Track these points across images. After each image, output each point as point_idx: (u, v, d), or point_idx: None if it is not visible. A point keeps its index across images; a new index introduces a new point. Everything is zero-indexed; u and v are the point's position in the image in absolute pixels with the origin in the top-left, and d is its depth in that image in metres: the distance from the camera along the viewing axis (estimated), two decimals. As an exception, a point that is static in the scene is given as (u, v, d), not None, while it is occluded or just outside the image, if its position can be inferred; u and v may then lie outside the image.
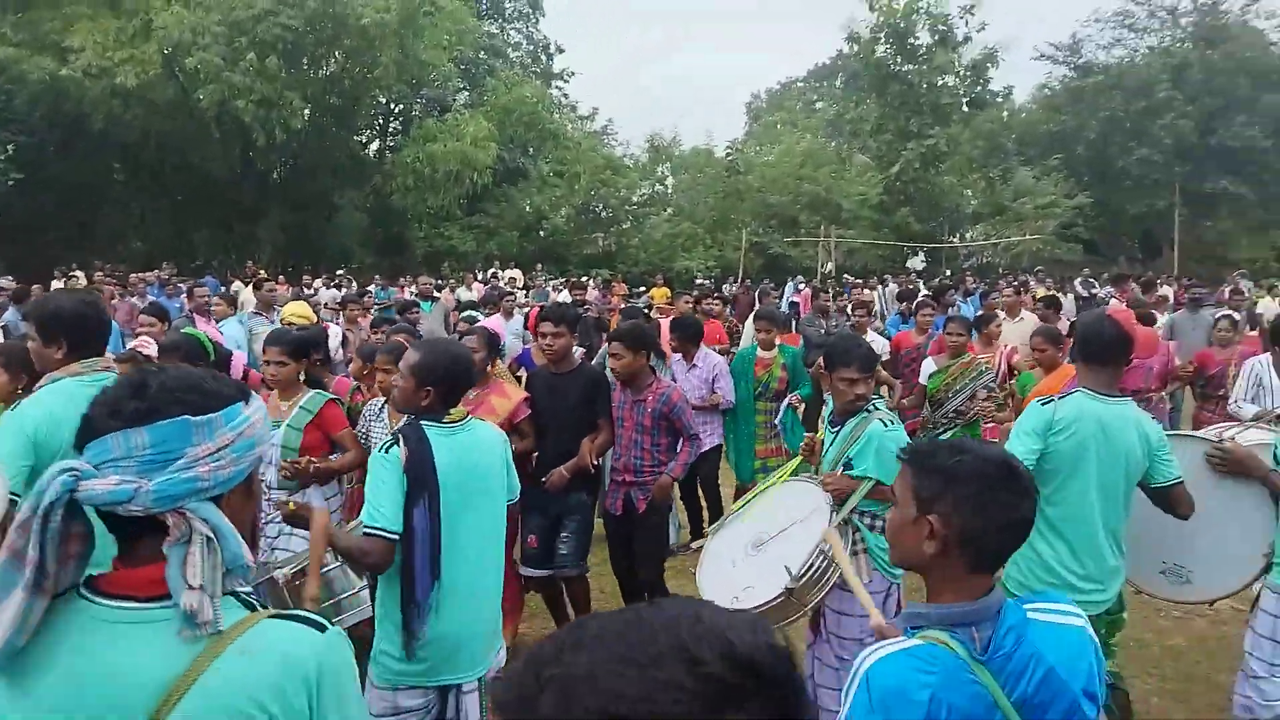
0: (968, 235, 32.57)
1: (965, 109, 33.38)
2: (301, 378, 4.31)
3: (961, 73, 32.47)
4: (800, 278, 22.94)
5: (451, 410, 2.93)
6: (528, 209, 30.23)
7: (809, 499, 3.64)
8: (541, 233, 30.83)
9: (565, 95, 38.25)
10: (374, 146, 32.52)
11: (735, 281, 23.43)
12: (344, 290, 16.40)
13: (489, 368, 4.80)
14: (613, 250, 30.72)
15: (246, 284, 15.77)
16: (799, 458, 4.14)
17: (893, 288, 17.78)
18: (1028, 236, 28.11)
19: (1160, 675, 4.69)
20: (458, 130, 26.55)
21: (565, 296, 16.73)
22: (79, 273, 17.28)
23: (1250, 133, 32.53)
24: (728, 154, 33.02)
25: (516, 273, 23.00)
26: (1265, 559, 3.29)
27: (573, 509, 4.68)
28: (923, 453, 1.68)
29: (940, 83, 31.99)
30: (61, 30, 23.27)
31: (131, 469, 1.24)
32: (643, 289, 22.11)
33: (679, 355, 6.54)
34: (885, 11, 31.15)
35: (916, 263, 27.73)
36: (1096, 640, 1.66)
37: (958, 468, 1.60)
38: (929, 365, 6.37)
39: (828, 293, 12.37)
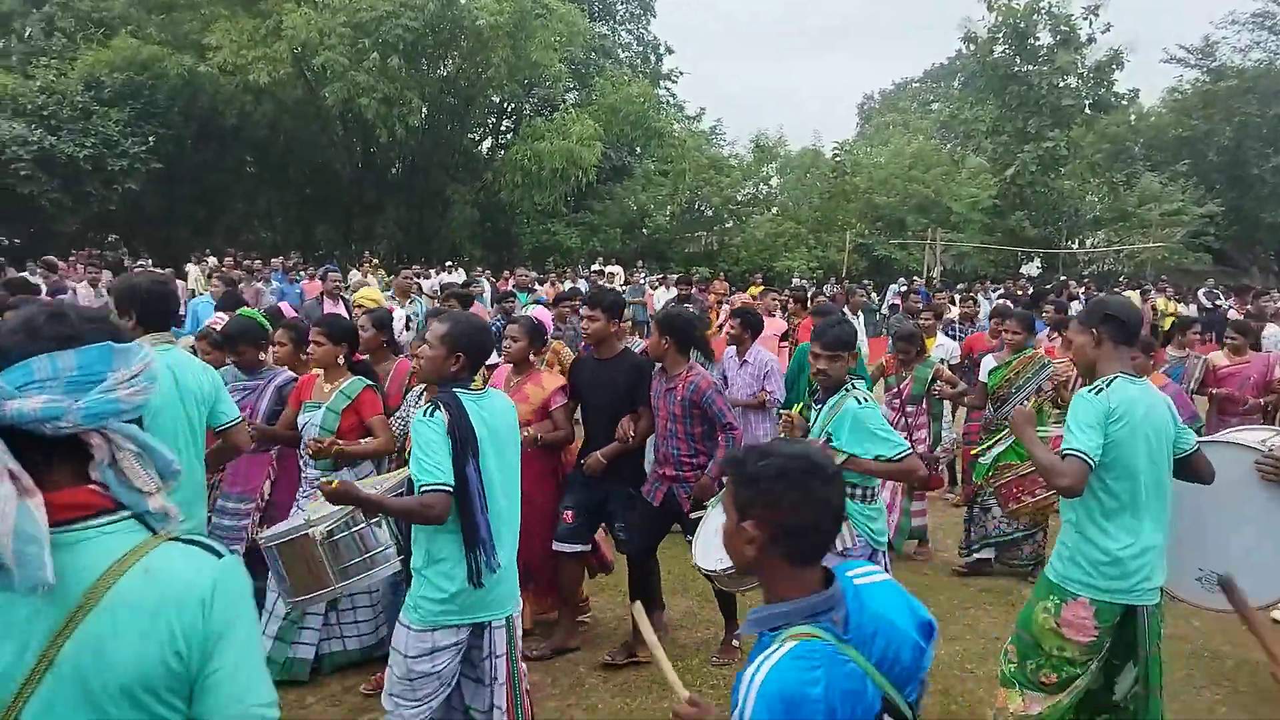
0: (1088, 242, 31.27)
1: (1088, 111, 32.03)
2: (341, 361, 4.40)
3: (1084, 74, 31.21)
4: (903, 280, 22.53)
5: (475, 379, 3.18)
6: (632, 206, 30.59)
7: None
8: (644, 230, 31.16)
9: (673, 95, 38.56)
10: (486, 144, 33.48)
11: (834, 282, 23.18)
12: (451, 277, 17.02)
13: (530, 356, 4.86)
14: (715, 249, 30.79)
15: (363, 273, 16.57)
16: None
17: (996, 296, 17.21)
18: (1152, 244, 26.80)
19: (1232, 687, 4.56)
20: (564, 129, 27.09)
21: (671, 294, 16.89)
22: (210, 258, 18.50)
23: (1398, 139, 30.14)
24: (835, 154, 32.64)
25: (618, 269, 23.38)
26: None
27: (619, 502, 4.74)
28: (735, 462, 1.72)
29: (1061, 84, 30.86)
30: (200, 30, 24.93)
31: (59, 389, 1.30)
32: (743, 288, 22.14)
33: (732, 350, 6.48)
34: (1004, 11, 30.24)
35: (1031, 268, 26.85)
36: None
37: (764, 471, 1.65)
38: (989, 362, 6.28)
39: (923, 295, 12.13)
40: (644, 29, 38.57)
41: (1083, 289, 18.07)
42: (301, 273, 17.61)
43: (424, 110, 27.55)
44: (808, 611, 1.61)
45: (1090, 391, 3.15)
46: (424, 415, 2.97)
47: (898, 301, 17.80)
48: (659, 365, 4.72)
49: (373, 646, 4.50)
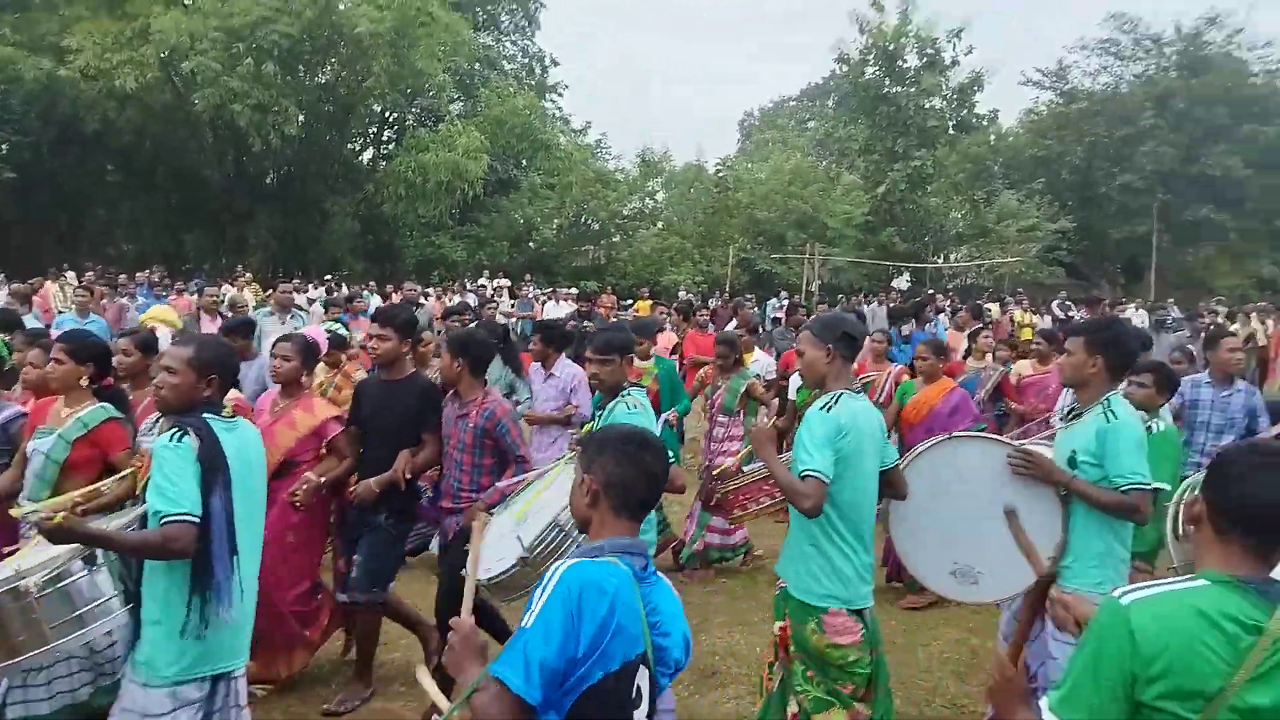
0: (952, 256, 33.01)
1: (951, 132, 33.88)
2: (85, 384, 3.81)
3: (948, 96, 32.98)
4: (784, 293, 23.30)
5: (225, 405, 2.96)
6: (519, 220, 30.51)
7: (569, 480, 3.80)
8: (531, 244, 31.11)
9: (559, 109, 38.68)
10: (367, 155, 32.79)
11: (719, 296, 23.76)
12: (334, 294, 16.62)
13: (301, 378, 4.52)
14: (602, 263, 31.01)
15: (238, 288, 15.97)
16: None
17: (877, 308, 18.00)
18: (1010, 259, 28.55)
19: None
20: (450, 140, 26.82)
21: (561, 309, 16.95)
22: (69, 273, 17.47)
23: (1230, 161, 33.10)
24: (718, 170, 33.39)
25: (505, 282, 23.30)
26: (1052, 560, 3.32)
27: (372, 529, 4.31)
28: (587, 438, 2.26)
29: (927, 105, 32.49)
30: (59, 31, 23.54)
31: None
32: (630, 301, 22.41)
33: (538, 365, 6.29)
34: (875, 34, 31.63)
35: (901, 282, 28.16)
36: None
37: (606, 435, 2.14)
38: (796, 380, 6.27)
39: (804, 309, 12.62)
40: (529, 40, 38.59)
41: (948, 301, 19.10)
42: (169, 288, 16.86)
43: (300, 118, 26.73)
44: (618, 548, 1.98)
45: (821, 409, 3.23)
46: (169, 440, 2.71)
47: (780, 315, 18.48)
48: (452, 390, 4.38)
49: (73, 707, 3.43)
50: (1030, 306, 19.29)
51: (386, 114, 32.02)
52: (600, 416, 3.96)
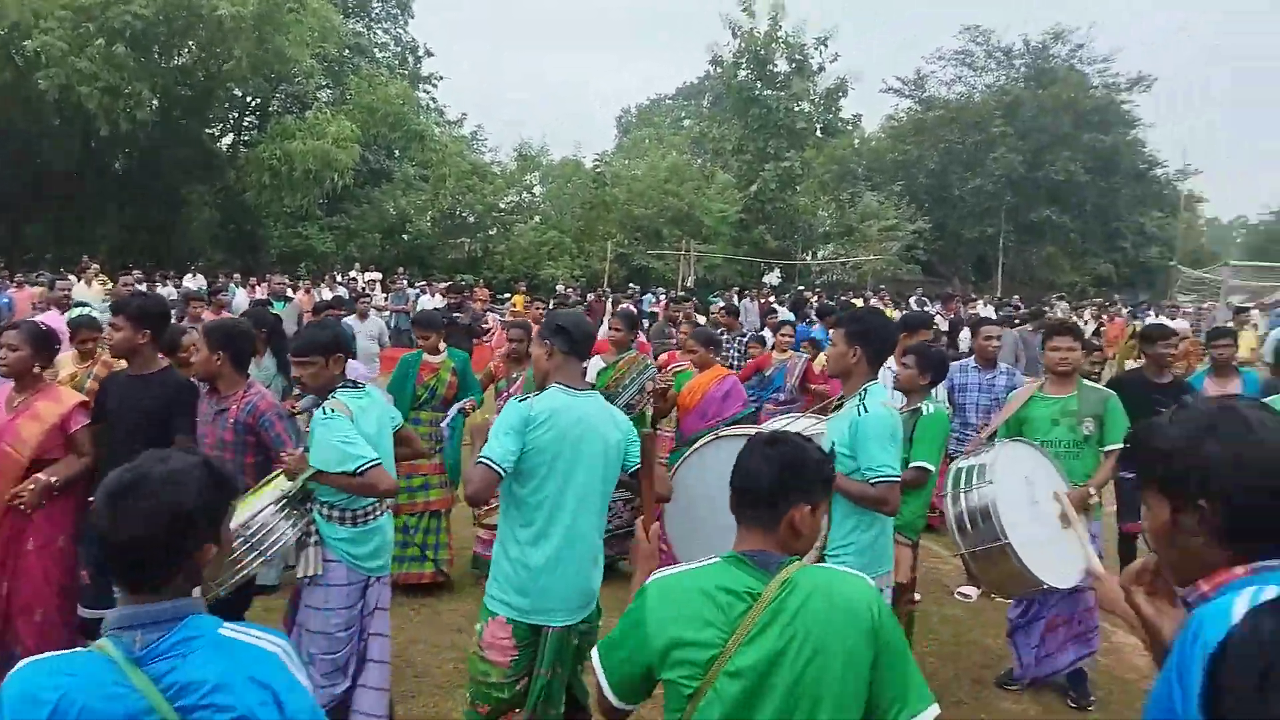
0: (819, 254, 34.34)
1: (819, 135, 35.23)
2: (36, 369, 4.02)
3: (816, 100, 34.27)
4: (661, 289, 23.72)
5: None
6: (391, 211, 29.86)
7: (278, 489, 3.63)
8: (405, 236, 30.51)
9: (434, 100, 38.02)
10: (227, 140, 31.37)
11: (596, 291, 23.95)
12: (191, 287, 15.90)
13: (35, 369, 4.13)
14: (478, 256, 30.72)
15: (86, 280, 15.05)
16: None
17: (749, 304, 18.55)
18: (872, 257, 29.96)
19: (937, 640, 5.38)
20: (318, 129, 25.99)
21: (434, 301, 16.77)
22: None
23: (1072, 167, 35.79)
24: (596, 166, 33.62)
25: (377, 275, 22.80)
26: (818, 551, 3.31)
27: None
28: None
29: (797, 109, 33.67)
30: (-121, -2, 21.55)
31: None
32: (507, 295, 22.34)
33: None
34: (747, 38, 32.53)
35: (772, 278, 29.11)
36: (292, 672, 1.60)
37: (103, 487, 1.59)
38: (597, 363, 6.27)
39: (678, 304, 12.94)
40: (402, 29, 37.74)
41: (815, 296, 19.91)
42: (9, 280, 15.73)
43: (155, 102, 25.32)
44: (122, 622, 1.53)
45: (519, 399, 3.15)
46: None
47: (656, 309, 18.85)
48: (208, 385, 4.06)
49: None
50: (890, 301, 20.34)
51: (248, 99, 30.72)
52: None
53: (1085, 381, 4.78)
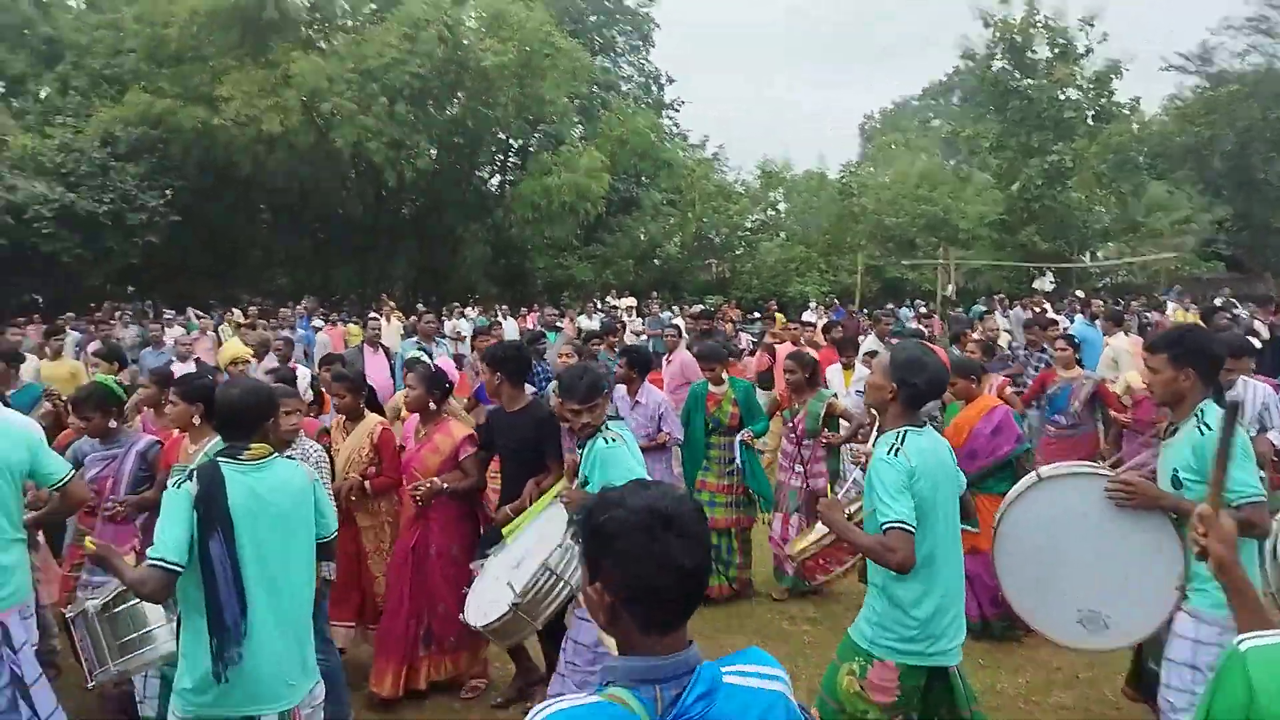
0: (1099, 254, 31.31)
1: (1090, 123, 32.19)
2: (198, 422, 4.10)
3: (1084, 86, 31.38)
4: (918, 302, 22.60)
5: (252, 447, 2.95)
6: (642, 237, 30.83)
7: (560, 519, 3.89)
8: (656, 261, 31.35)
9: (676, 125, 38.96)
10: (494, 181, 33.88)
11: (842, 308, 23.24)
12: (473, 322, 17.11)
13: (431, 404, 4.77)
14: (726, 276, 30.94)
15: (385, 317, 16.65)
16: (561, 480, 4.38)
17: (1019, 313, 17.17)
18: (1163, 254, 26.85)
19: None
20: (572, 162, 27.42)
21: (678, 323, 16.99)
22: (236, 311, 18.61)
23: None
24: (841, 177, 32.83)
25: (632, 300, 23.54)
26: (1178, 590, 3.09)
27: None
28: (586, 510, 1.52)
29: (1062, 97, 31.00)
30: (211, 82, 25.36)
31: None
32: (757, 316, 22.24)
33: (622, 389, 6.01)
34: (1001, 27, 30.48)
35: (1044, 283, 26.84)
36: (794, 704, 1.52)
37: (608, 525, 1.45)
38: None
39: (932, 317, 12.12)
40: (644, 59, 39.08)
41: (1099, 302, 18.02)
42: (320, 319, 17.68)
43: (432, 152, 27.90)
44: (630, 675, 1.43)
45: (888, 452, 3.03)
46: (173, 485, 2.78)
47: (914, 323, 17.84)
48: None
49: None
50: (1192, 302, 18.00)
51: (512, 141, 33.01)
52: (584, 458, 3.88)
53: None
